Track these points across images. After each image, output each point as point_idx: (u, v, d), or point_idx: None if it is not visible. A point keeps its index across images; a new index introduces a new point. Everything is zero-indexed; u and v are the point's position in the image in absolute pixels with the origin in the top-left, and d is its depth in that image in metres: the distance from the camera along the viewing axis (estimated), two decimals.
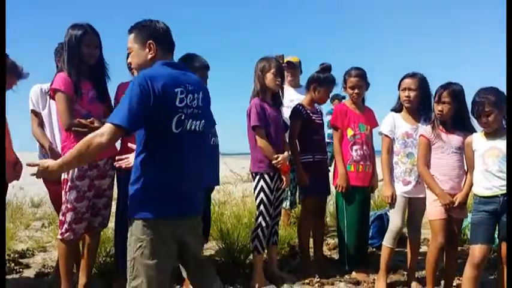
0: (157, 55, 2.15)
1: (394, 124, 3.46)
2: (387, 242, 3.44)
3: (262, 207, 3.40)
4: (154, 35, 2.15)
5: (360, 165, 3.64)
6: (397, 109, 3.51)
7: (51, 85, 3.05)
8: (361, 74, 3.68)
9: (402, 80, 3.43)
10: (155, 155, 2.08)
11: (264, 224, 3.40)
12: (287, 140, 3.70)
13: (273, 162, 3.36)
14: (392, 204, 3.40)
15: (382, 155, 3.47)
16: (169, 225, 2.09)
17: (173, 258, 2.15)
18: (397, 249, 4.13)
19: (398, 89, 3.46)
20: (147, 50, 2.15)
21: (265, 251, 3.61)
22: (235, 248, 3.86)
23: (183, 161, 2.11)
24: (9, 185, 3.24)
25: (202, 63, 3.25)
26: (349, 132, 3.68)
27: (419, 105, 3.41)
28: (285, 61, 4.55)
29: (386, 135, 3.48)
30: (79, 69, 3.03)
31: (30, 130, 3.57)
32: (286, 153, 3.46)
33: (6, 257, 4.07)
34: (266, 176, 3.39)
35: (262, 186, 3.39)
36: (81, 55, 3.01)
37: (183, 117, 2.07)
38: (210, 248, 4.25)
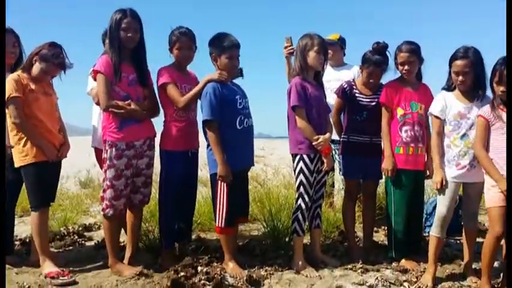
0: None
1: (445, 104, 3.18)
2: (433, 231, 3.20)
3: (302, 188, 3.30)
4: None
5: (410, 147, 3.38)
6: (449, 88, 3.22)
7: (93, 67, 3.22)
8: (412, 49, 3.38)
9: (453, 60, 3.11)
10: None
11: (303, 206, 3.30)
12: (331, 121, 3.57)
13: (314, 143, 3.24)
14: (441, 190, 3.14)
15: (432, 138, 3.21)
16: None
17: None
18: (457, 238, 3.87)
19: (450, 67, 3.15)
20: None
21: (309, 234, 3.54)
22: (279, 230, 3.81)
23: None
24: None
25: (231, 42, 3.20)
26: (399, 112, 3.42)
27: (473, 84, 3.09)
28: None
29: (436, 116, 3.20)
30: (119, 52, 3.15)
31: None
32: (327, 135, 3.31)
33: (71, 230, 4.43)
34: (306, 158, 3.28)
35: (301, 167, 3.29)
36: (120, 39, 3.13)
37: None
38: (256, 229, 4.26)
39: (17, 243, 4.05)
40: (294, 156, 3.37)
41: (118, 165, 3.15)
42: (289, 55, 3.80)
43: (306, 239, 3.60)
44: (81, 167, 9.13)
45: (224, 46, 3.18)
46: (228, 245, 3.25)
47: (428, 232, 3.42)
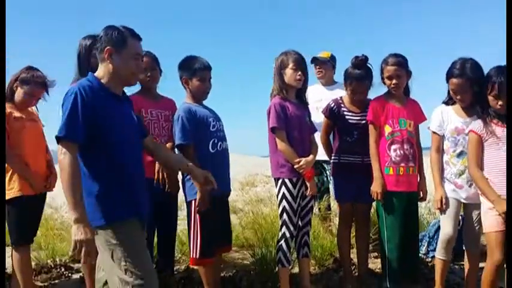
0: None
1: (442, 119, 3.03)
2: (439, 253, 3.03)
3: (285, 216, 3.10)
4: None
5: (400, 168, 3.12)
6: (449, 102, 3.07)
7: None
8: (400, 62, 3.15)
9: (450, 77, 2.95)
10: None
11: (288, 234, 3.09)
12: (317, 141, 3.36)
13: (295, 166, 3.04)
14: (443, 210, 2.96)
15: (431, 155, 3.07)
16: None
17: None
18: (462, 264, 3.59)
19: (447, 82, 2.99)
20: None
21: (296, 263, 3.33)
22: (267, 259, 3.59)
23: None
24: None
25: (202, 64, 3.07)
26: (387, 129, 3.17)
27: (474, 99, 2.92)
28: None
29: (434, 132, 3.07)
30: None
31: None
32: (310, 157, 3.10)
33: (58, 262, 4.30)
34: (288, 182, 3.08)
35: (284, 193, 3.09)
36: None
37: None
38: (245, 258, 4.03)
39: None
40: (276, 180, 3.18)
41: None
42: None
43: (297, 269, 3.37)
44: None
45: (195, 68, 3.06)
46: (207, 277, 3.04)
47: (432, 257, 3.18)
